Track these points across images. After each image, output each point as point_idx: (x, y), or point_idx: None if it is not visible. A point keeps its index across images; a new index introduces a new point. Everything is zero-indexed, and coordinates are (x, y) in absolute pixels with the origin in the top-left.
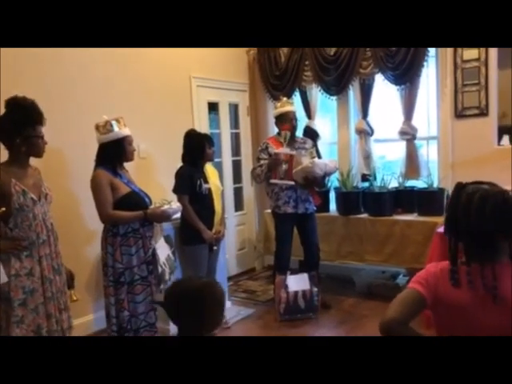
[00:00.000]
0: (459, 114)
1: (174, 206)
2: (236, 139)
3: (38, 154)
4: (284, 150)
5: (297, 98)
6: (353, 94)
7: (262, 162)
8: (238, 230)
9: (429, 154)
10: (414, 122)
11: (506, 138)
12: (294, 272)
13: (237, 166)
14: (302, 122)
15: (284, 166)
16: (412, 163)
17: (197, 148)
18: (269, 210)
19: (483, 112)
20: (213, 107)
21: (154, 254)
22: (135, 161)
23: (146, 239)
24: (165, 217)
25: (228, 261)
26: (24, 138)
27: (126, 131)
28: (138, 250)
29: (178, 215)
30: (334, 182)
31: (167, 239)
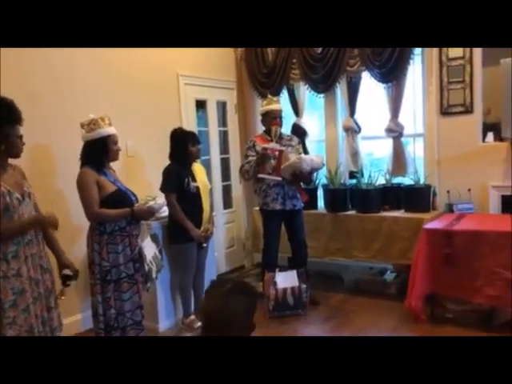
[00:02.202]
0: (445, 111)
1: (159, 201)
2: (224, 137)
3: (16, 154)
4: (273, 145)
5: (284, 95)
6: (340, 91)
7: (249, 158)
8: (226, 227)
9: (415, 150)
10: (401, 119)
11: (490, 135)
12: (283, 269)
13: (225, 164)
14: (290, 119)
15: (272, 162)
16: (399, 160)
17: (180, 147)
18: (257, 208)
19: (468, 109)
20: (200, 105)
21: (141, 252)
22: (123, 159)
23: (132, 237)
24: (151, 213)
25: (217, 259)
26: (3, 137)
27: (110, 130)
28: (125, 248)
29: (166, 213)
30: (321, 179)
31: (154, 238)
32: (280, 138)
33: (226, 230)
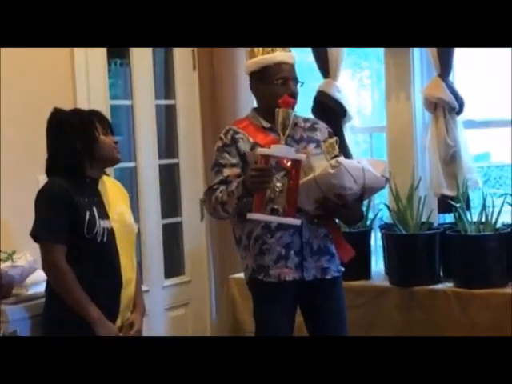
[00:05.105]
0: None
1: (21, 261)
2: (168, 120)
3: None
4: (280, 150)
5: None
6: None
7: (226, 172)
8: (172, 317)
9: None
10: None
11: None
12: None
13: (170, 179)
14: (312, 84)
15: (279, 184)
16: None
17: (77, 138)
18: (241, 275)
19: None
20: (117, 52)
21: None
22: None
23: None
24: (5, 286)
25: None
26: None
27: None
28: None
29: (40, 288)
30: (380, 211)
31: None
32: (294, 125)
33: (170, 322)
